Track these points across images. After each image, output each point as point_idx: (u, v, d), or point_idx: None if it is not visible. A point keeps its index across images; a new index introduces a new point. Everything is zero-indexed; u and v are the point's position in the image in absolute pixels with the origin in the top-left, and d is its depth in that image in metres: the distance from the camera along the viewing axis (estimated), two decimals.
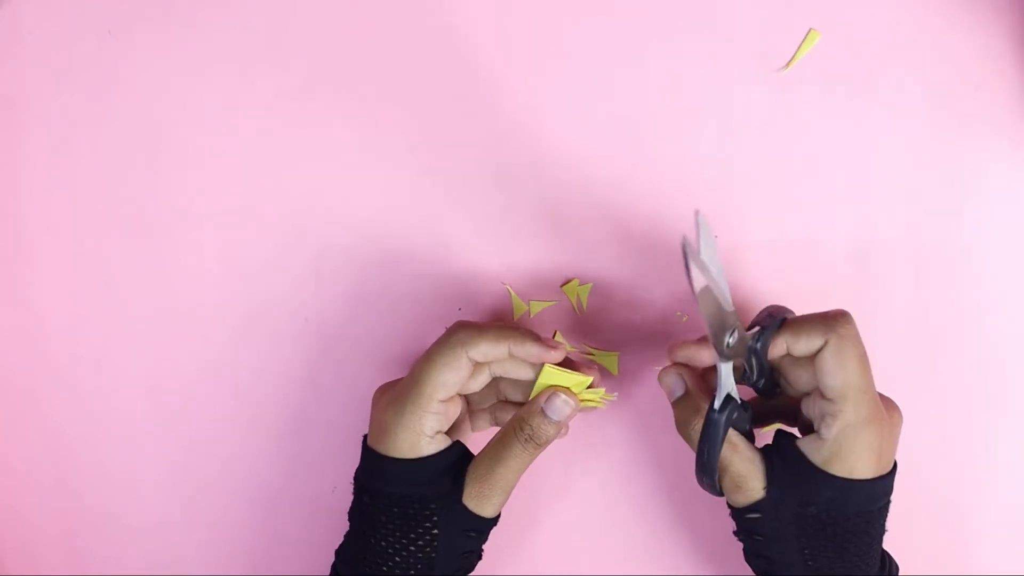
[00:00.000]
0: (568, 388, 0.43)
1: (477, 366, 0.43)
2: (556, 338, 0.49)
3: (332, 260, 0.50)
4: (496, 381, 0.45)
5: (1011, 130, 0.47)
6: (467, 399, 0.46)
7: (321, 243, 0.50)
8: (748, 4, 0.47)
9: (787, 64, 0.48)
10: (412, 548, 0.42)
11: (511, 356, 0.42)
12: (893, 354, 0.48)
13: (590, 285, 0.49)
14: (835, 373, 0.38)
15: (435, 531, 0.42)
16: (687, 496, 0.50)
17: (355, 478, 0.45)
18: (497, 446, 0.43)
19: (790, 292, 0.48)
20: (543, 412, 0.42)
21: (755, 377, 0.41)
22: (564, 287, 0.49)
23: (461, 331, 0.42)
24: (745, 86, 0.48)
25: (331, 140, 0.49)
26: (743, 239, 0.48)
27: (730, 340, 0.38)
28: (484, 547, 0.45)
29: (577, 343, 0.49)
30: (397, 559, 0.42)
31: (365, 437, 0.44)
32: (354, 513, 0.45)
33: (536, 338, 0.42)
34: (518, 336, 0.42)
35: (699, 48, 0.48)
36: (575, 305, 0.49)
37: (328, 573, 0.45)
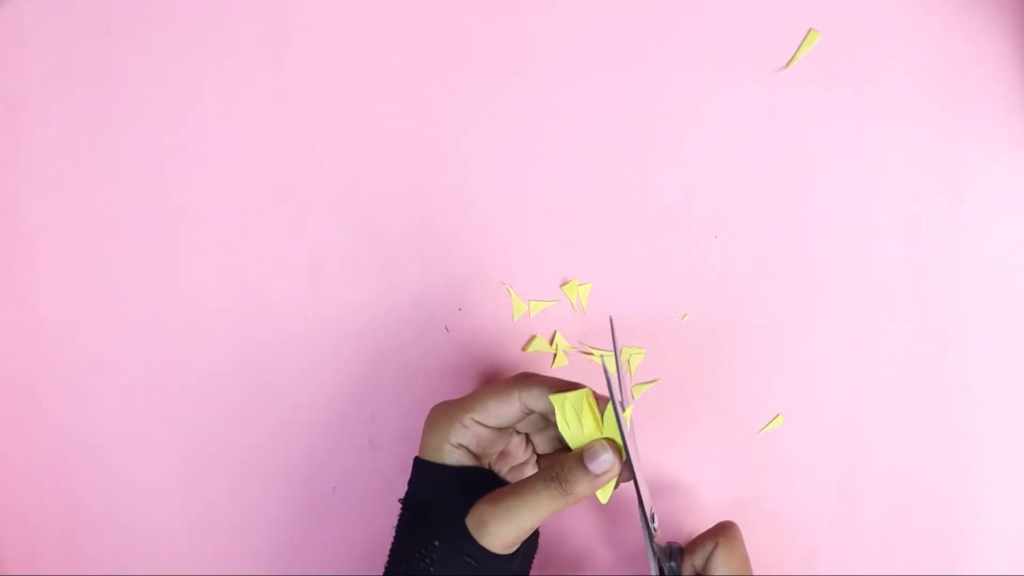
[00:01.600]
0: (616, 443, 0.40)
1: (498, 392, 0.42)
2: (555, 338, 0.49)
3: (332, 260, 0.50)
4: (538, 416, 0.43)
5: (1011, 130, 0.47)
6: (533, 444, 0.45)
7: (321, 243, 0.50)
8: (748, 4, 0.47)
9: (787, 64, 0.48)
10: (415, 555, 0.41)
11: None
12: (893, 354, 0.48)
13: (590, 285, 0.49)
14: (721, 568, 0.42)
15: (436, 542, 0.40)
16: (682, 495, 0.50)
17: None
18: (520, 481, 0.40)
19: (789, 292, 0.48)
20: (580, 459, 0.39)
21: None
22: (564, 287, 0.49)
23: (524, 376, 0.42)
24: (745, 86, 0.48)
25: (331, 140, 0.49)
26: (743, 239, 0.48)
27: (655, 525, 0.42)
28: None
29: (577, 343, 0.49)
30: (401, 563, 0.41)
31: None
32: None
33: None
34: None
35: (699, 48, 0.48)
36: (575, 305, 0.49)
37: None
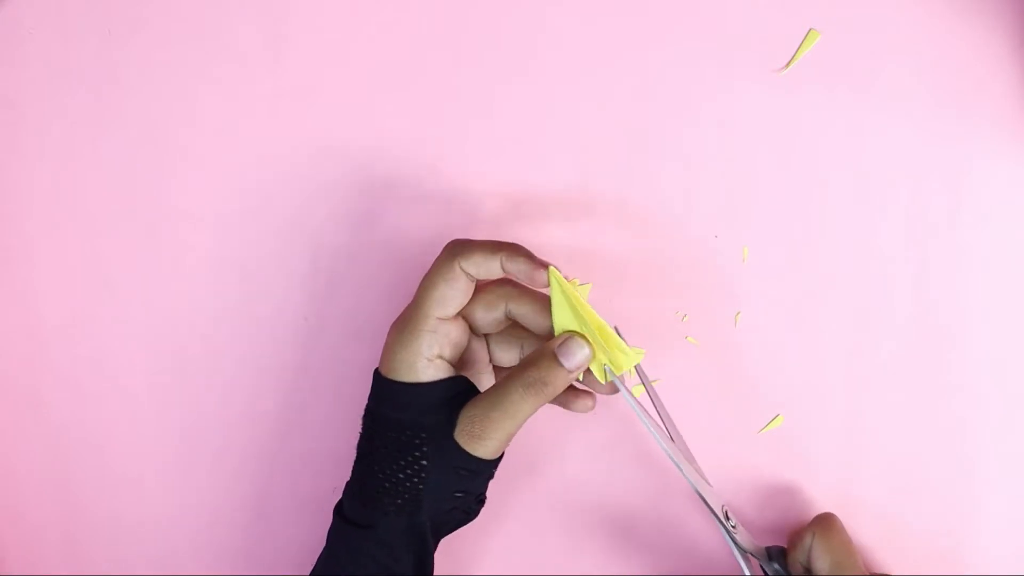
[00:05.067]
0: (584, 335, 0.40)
1: (486, 299, 0.42)
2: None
3: (331, 259, 0.50)
4: (519, 338, 0.44)
5: (1011, 130, 0.47)
6: (490, 351, 0.45)
7: (320, 243, 0.50)
8: (748, 4, 0.47)
9: (787, 64, 0.48)
10: (401, 476, 0.40)
11: (504, 270, 0.41)
12: (893, 354, 0.48)
13: (590, 285, 0.49)
14: (822, 557, 0.42)
15: (424, 462, 0.40)
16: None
17: (364, 409, 0.44)
18: (498, 388, 0.40)
19: (791, 292, 0.48)
20: (554, 356, 0.40)
21: None
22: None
23: (455, 244, 0.42)
24: (745, 86, 0.48)
25: (331, 140, 0.49)
26: (743, 239, 0.48)
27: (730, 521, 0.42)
28: (487, 494, 0.43)
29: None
30: (387, 485, 0.41)
31: (377, 368, 0.44)
32: (359, 442, 0.44)
33: (528, 255, 0.41)
34: (511, 249, 0.41)
35: (699, 48, 0.48)
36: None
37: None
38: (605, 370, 0.41)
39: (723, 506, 0.42)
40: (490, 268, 0.41)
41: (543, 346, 0.41)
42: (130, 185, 0.50)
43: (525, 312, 0.42)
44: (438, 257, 0.42)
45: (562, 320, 0.41)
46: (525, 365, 0.41)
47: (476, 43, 0.49)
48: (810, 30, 0.47)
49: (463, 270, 0.41)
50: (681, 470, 0.41)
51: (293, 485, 0.52)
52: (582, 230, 0.49)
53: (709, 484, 0.42)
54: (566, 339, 0.40)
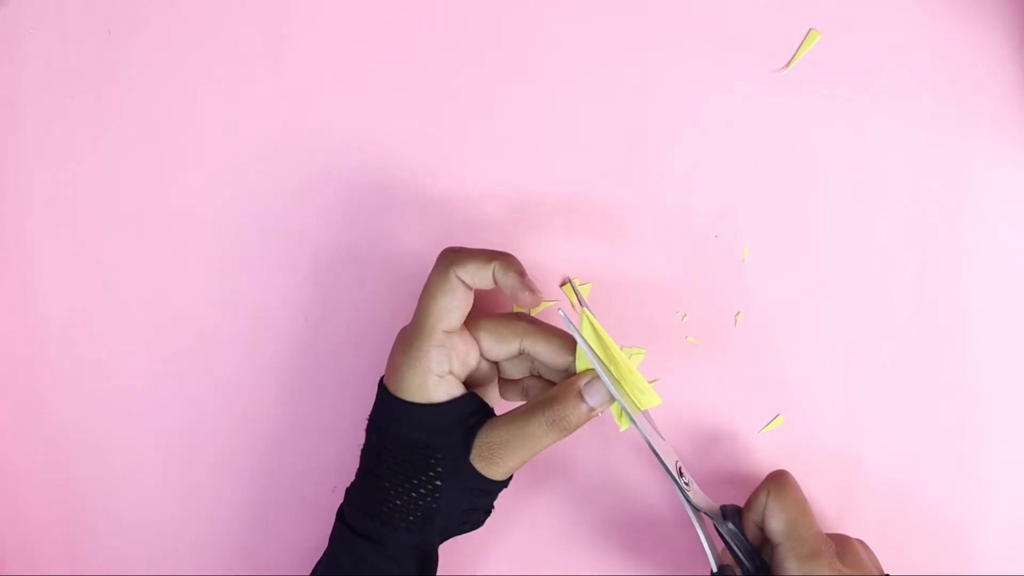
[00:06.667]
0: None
1: (500, 334, 0.42)
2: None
3: (332, 260, 0.50)
4: (530, 355, 0.44)
5: (1011, 130, 0.47)
6: (498, 365, 0.45)
7: (321, 243, 0.50)
8: (748, 4, 0.47)
9: (787, 64, 0.48)
10: (414, 495, 0.41)
11: (495, 281, 0.41)
12: (893, 354, 0.48)
13: (590, 285, 0.49)
14: (777, 516, 0.41)
15: (438, 482, 0.41)
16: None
17: (368, 419, 0.44)
18: (519, 419, 0.41)
19: (791, 292, 0.48)
20: (580, 395, 0.40)
21: (751, 568, 0.42)
22: (564, 287, 0.49)
23: (449, 252, 0.41)
24: (745, 86, 0.48)
25: (330, 140, 0.49)
26: (743, 239, 0.48)
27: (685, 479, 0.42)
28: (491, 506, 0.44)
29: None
30: (398, 502, 0.41)
31: (382, 378, 0.44)
32: (364, 452, 0.44)
33: (520, 270, 0.40)
34: (504, 261, 0.40)
35: (699, 48, 0.48)
36: (575, 306, 0.49)
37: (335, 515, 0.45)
38: (623, 411, 0.41)
39: (676, 462, 0.42)
40: (484, 278, 0.41)
41: (569, 383, 0.41)
42: (130, 185, 0.50)
43: (541, 351, 0.42)
44: (434, 267, 0.42)
45: (588, 355, 0.41)
46: (550, 401, 0.40)
47: (476, 43, 0.49)
48: (810, 30, 0.47)
49: (459, 279, 0.41)
50: (632, 419, 0.40)
51: (293, 485, 0.52)
52: (582, 230, 0.49)
53: (663, 439, 0.42)
54: (593, 379, 0.40)
